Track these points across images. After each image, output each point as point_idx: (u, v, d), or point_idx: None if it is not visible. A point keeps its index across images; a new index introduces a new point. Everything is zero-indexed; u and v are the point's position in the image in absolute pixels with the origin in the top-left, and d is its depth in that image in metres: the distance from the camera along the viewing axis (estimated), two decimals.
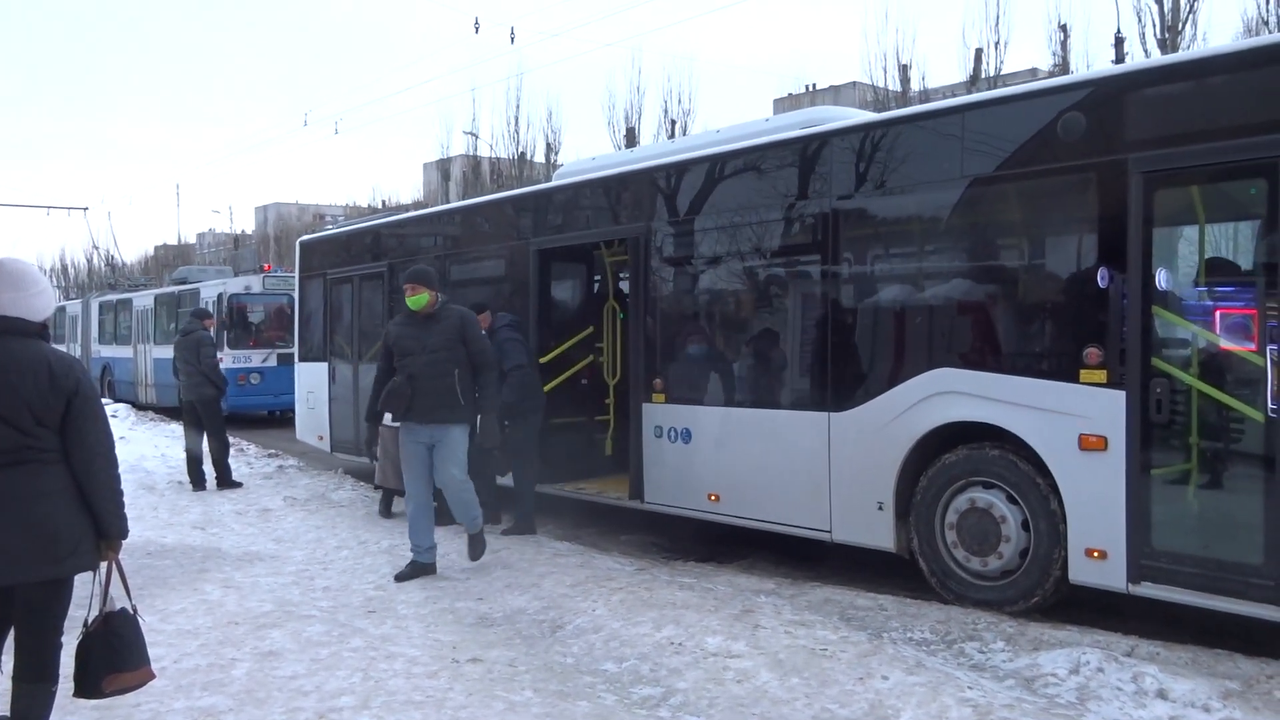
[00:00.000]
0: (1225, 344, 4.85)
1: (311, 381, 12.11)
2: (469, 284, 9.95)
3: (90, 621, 3.56)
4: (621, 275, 9.13)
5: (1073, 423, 5.17)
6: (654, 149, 9.18)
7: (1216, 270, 5.07)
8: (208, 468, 10.41)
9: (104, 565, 3.57)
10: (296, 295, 12.88)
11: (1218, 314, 4.91)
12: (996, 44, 26.10)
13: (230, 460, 10.78)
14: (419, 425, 6.40)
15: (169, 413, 17.75)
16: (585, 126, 57.67)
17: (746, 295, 7.36)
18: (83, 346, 26.37)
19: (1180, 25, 23.15)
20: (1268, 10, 22.00)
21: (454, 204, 12.46)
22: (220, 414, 10.71)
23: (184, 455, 10.68)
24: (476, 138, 36.31)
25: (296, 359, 12.79)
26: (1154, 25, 23.29)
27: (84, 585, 3.58)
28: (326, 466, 11.76)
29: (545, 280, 8.81)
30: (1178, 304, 5.06)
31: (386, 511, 8.72)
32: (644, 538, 8.08)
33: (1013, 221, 5.84)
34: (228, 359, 17.73)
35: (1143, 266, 4.94)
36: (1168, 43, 22.85)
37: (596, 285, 9.72)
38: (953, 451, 5.78)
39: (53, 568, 3.36)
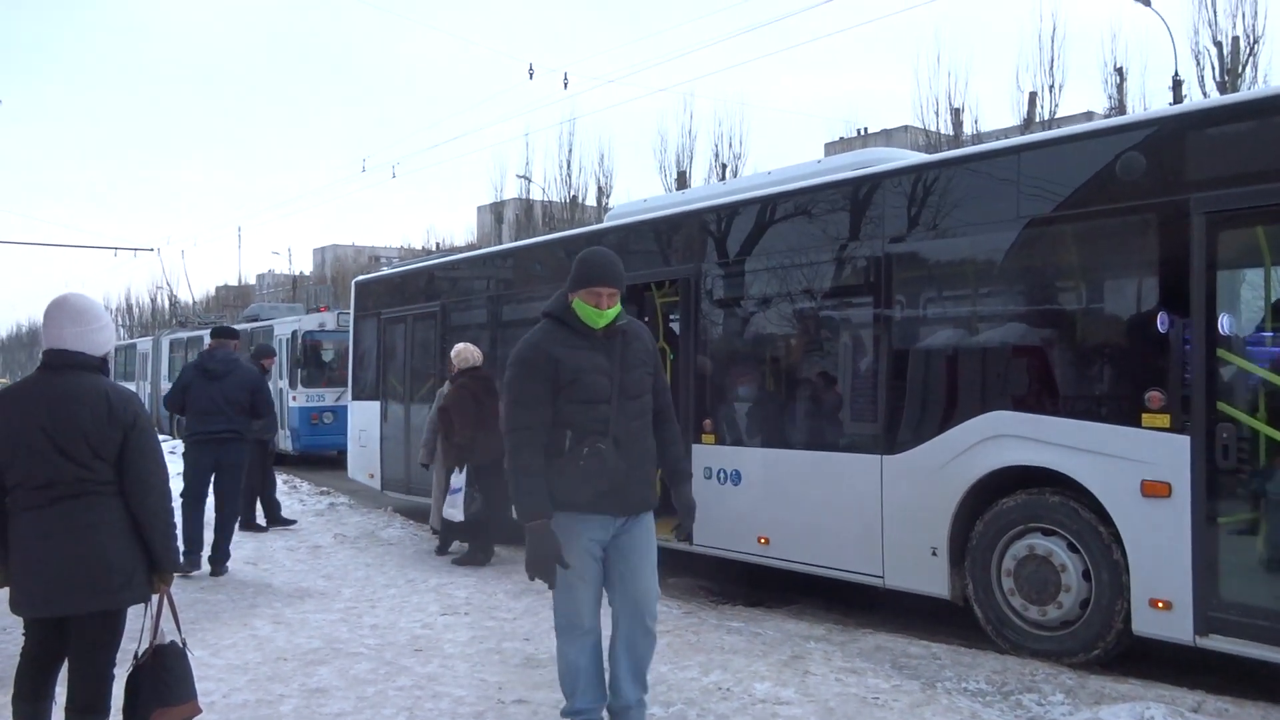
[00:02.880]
0: (1260, 386, 4.72)
1: (364, 420, 12.24)
2: (520, 325, 10.02)
3: (140, 654, 3.59)
4: (671, 316, 9.12)
5: (1135, 468, 5.03)
6: (705, 190, 9.19)
7: (1274, 312, 4.93)
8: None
9: (155, 597, 3.61)
10: (351, 335, 13.05)
11: None
12: (1051, 87, 26.06)
13: (282, 498, 10.90)
14: (608, 516, 3.83)
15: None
16: (637, 170, 58.60)
17: (797, 337, 7.29)
18: (153, 383, 26.83)
19: (1240, 68, 22.86)
20: None
21: (506, 245, 12.66)
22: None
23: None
24: (529, 181, 36.86)
25: (350, 397, 12.96)
26: (1213, 68, 23.05)
27: (135, 618, 3.63)
28: (376, 504, 11.85)
29: None
30: (1243, 347, 4.92)
31: (443, 549, 8.73)
32: (692, 581, 7.99)
33: (1071, 263, 5.72)
34: (300, 398, 17.84)
35: (1206, 309, 4.81)
36: (1227, 85, 22.54)
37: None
38: (1010, 497, 5.65)
39: (106, 599, 3.41)
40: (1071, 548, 5.37)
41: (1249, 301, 5.11)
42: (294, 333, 18.23)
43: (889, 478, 6.23)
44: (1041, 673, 5.07)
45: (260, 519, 10.26)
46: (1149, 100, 25.21)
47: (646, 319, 9.59)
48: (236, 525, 8.33)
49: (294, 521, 10.44)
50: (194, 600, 6.87)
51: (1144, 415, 5.02)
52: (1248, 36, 22.72)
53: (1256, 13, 22.59)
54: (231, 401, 7.99)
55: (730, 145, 32.75)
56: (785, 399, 7.34)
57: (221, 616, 6.42)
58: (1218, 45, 22.91)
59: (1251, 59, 22.74)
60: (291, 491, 12.75)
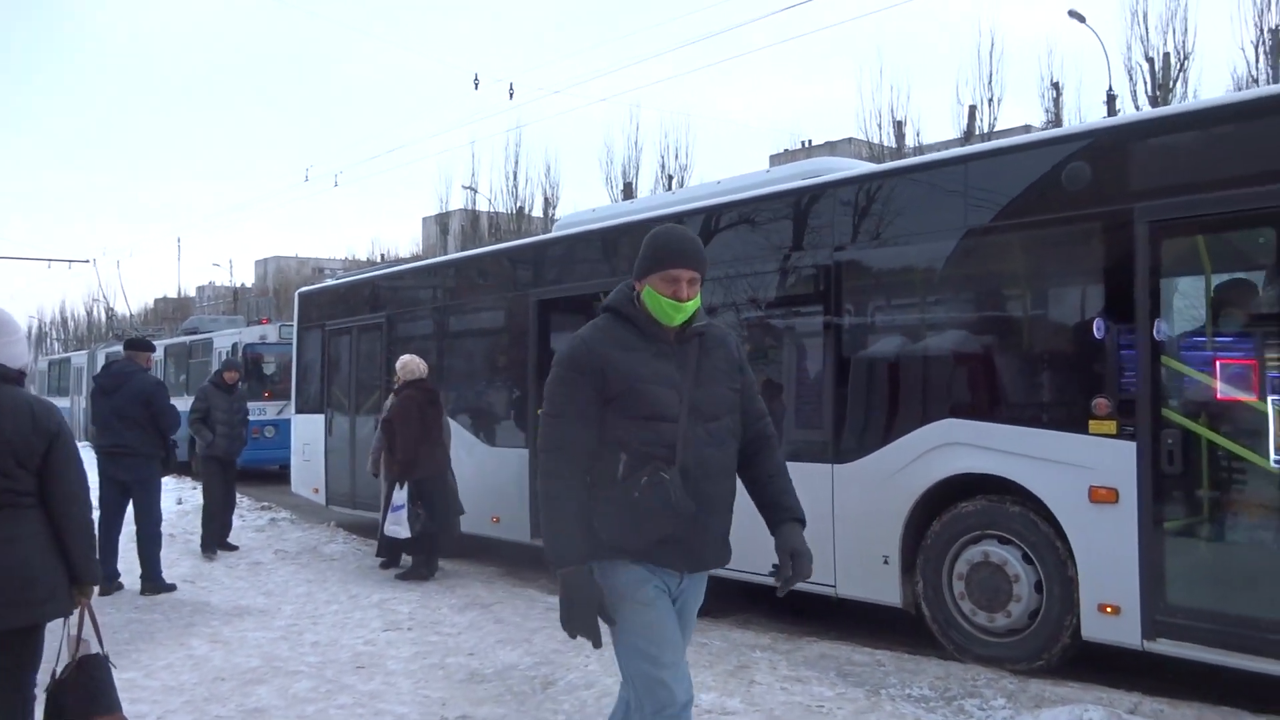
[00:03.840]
0: (1231, 394, 4.80)
1: (308, 433, 12.03)
2: (467, 335, 9.94)
3: (63, 668, 3.50)
4: None
5: (1083, 474, 5.09)
6: (655, 200, 9.10)
7: (1221, 319, 5.03)
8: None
9: (76, 611, 3.52)
10: (294, 347, 12.83)
11: (1219, 364, 4.87)
12: (990, 101, 26.61)
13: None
14: (666, 572, 2.94)
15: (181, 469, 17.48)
16: (583, 181, 58.53)
17: (747, 346, 7.25)
18: (88, 397, 26.13)
19: (1171, 83, 23.55)
20: (1257, 68, 22.37)
21: (454, 255, 12.53)
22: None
23: (196, 509, 10.49)
24: (475, 192, 36.65)
25: (293, 410, 12.73)
26: (1145, 83, 23.72)
27: (52, 635, 3.52)
28: (319, 519, 11.65)
29: (545, 331, 8.73)
30: (1187, 353, 4.98)
31: (389, 564, 8.60)
32: None
33: (1017, 272, 5.79)
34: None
35: (1150, 316, 4.89)
36: (1159, 100, 23.20)
37: None
38: (962, 503, 5.68)
39: (31, 613, 3.31)
40: (1025, 557, 5.41)
41: (1192, 309, 5.19)
42: (234, 345, 17.85)
43: (840, 486, 6.22)
44: (983, 677, 5.12)
45: (228, 541, 9.79)
46: (1084, 114, 25.87)
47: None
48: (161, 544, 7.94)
49: (236, 547, 9.89)
50: (128, 620, 6.68)
51: (1091, 422, 5.06)
52: (1178, 53, 23.42)
53: (1186, 30, 23.33)
54: (123, 416, 7.57)
55: (676, 157, 32.92)
56: None
57: (157, 636, 6.25)
58: (1150, 61, 23.59)
59: (1182, 74, 23.44)
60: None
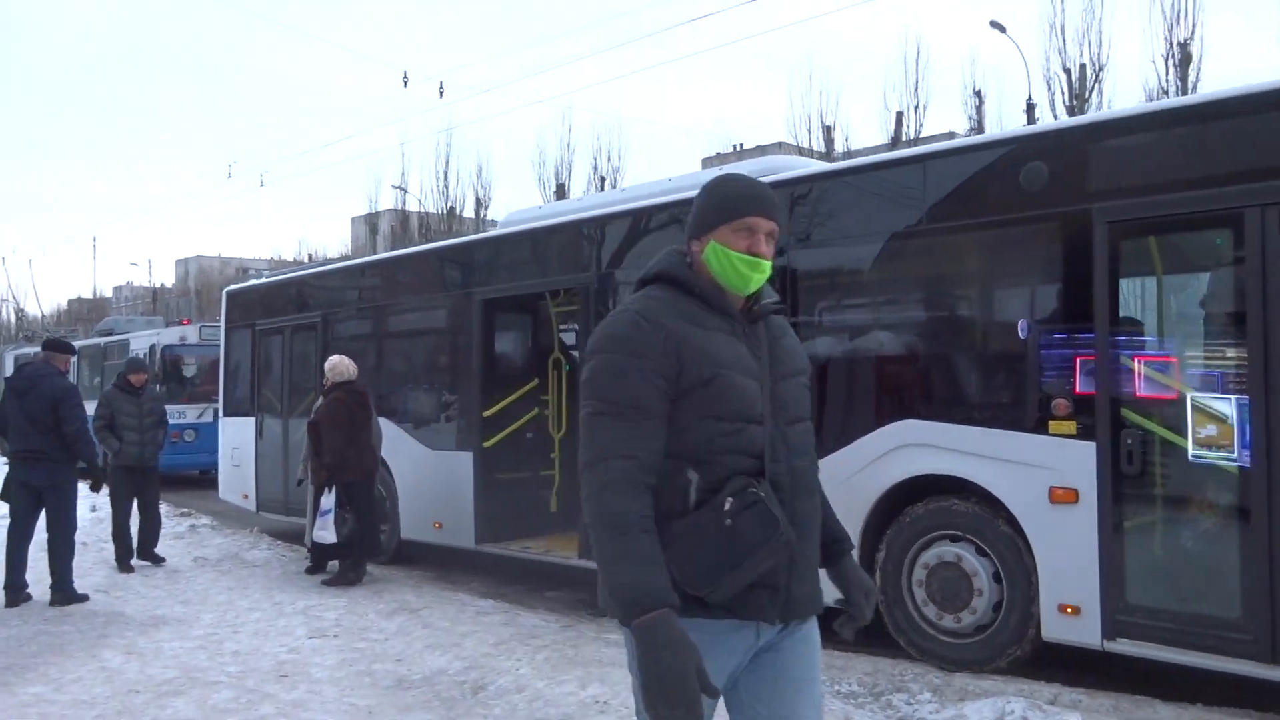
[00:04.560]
0: (1164, 393, 4.82)
1: (237, 437, 11.58)
2: (408, 336, 9.67)
3: None
4: (564, 327, 8.97)
5: (1043, 475, 5.07)
6: (602, 197, 8.89)
7: (1173, 319, 5.06)
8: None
9: None
10: (221, 347, 12.36)
11: (1139, 361, 4.92)
12: (916, 107, 27.19)
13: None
14: (755, 625, 2.16)
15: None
16: (515, 182, 58.12)
17: None
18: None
19: (1087, 93, 24.30)
20: (1167, 80, 23.18)
21: (394, 253, 12.16)
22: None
23: (104, 519, 9.91)
24: (405, 192, 36.20)
25: (220, 413, 12.31)
26: (1063, 93, 24.43)
27: None
28: (242, 525, 11.36)
29: (490, 331, 8.54)
30: (1144, 353, 4.96)
31: (315, 569, 8.41)
32: (571, 594, 7.92)
33: (974, 271, 5.74)
34: None
35: (1109, 316, 4.89)
36: (1075, 109, 23.91)
37: (533, 336, 9.47)
38: (920, 505, 5.62)
39: None
40: (982, 554, 5.38)
41: (1149, 308, 5.14)
42: (152, 346, 17.27)
43: None
44: (910, 673, 5.19)
45: (155, 552, 9.16)
46: (1005, 122, 26.51)
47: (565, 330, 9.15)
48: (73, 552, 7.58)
49: (163, 559, 9.16)
50: (36, 632, 6.42)
51: (1051, 422, 5.05)
52: (1094, 64, 24.16)
53: (1101, 42, 24.08)
54: (34, 420, 7.26)
55: (609, 159, 32.95)
56: None
57: (67, 649, 6.01)
58: (1067, 72, 24.30)
59: (1098, 85, 24.21)
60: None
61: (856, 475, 5.80)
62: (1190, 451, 4.67)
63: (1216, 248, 4.82)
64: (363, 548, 8.10)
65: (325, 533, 7.87)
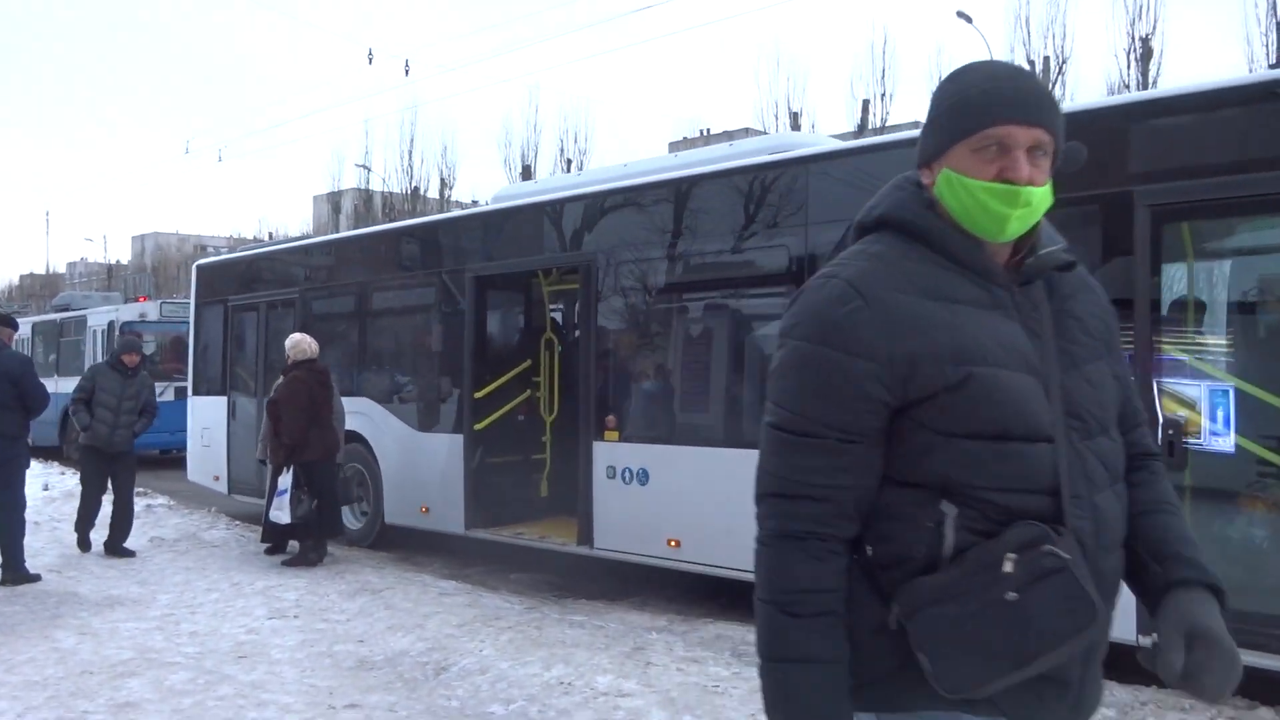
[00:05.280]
0: (1210, 383, 4.66)
1: (207, 417, 11.24)
2: (394, 314, 9.39)
3: None
4: (554, 306, 8.77)
5: None
6: (603, 173, 8.48)
7: (1219, 307, 4.83)
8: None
9: None
10: (191, 323, 11.99)
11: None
12: (883, 96, 27.37)
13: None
14: None
15: (46, 452, 16.51)
16: (481, 162, 57.43)
17: (713, 327, 6.85)
18: None
19: (1050, 85, 24.55)
20: (1128, 74, 23.48)
21: (380, 227, 11.90)
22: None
23: (66, 495, 9.61)
24: (369, 171, 35.81)
25: (190, 393, 11.91)
26: None
27: None
28: (199, 505, 11.19)
29: (482, 310, 8.29)
30: (1187, 342, 4.78)
31: (277, 550, 8.30)
32: (535, 575, 7.90)
33: None
34: None
35: (1150, 304, 4.70)
36: None
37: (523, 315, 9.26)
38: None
39: None
40: None
41: (1196, 296, 4.89)
42: (110, 323, 16.80)
43: None
44: None
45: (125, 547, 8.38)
46: None
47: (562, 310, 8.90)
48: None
49: (133, 554, 8.42)
50: None
51: None
52: (1058, 56, 24.48)
53: (1066, 34, 24.40)
54: None
55: (575, 140, 32.86)
56: (700, 393, 6.93)
57: (18, 629, 5.88)
58: (1031, 64, 24.53)
59: (1061, 77, 24.49)
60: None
61: None
62: (1237, 444, 4.48)
63: (1266, 233, 4.66)
64: (323, 528, 8.01)
65: (280, 513, 7.77)
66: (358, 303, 9.60)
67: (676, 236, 6.91)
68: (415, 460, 8.61)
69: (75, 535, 8.55)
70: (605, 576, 7.48)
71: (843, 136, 24.40)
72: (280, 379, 8.31)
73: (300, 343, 8.16)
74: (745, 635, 5.68)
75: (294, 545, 8.15)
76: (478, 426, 8.06)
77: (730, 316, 6.80)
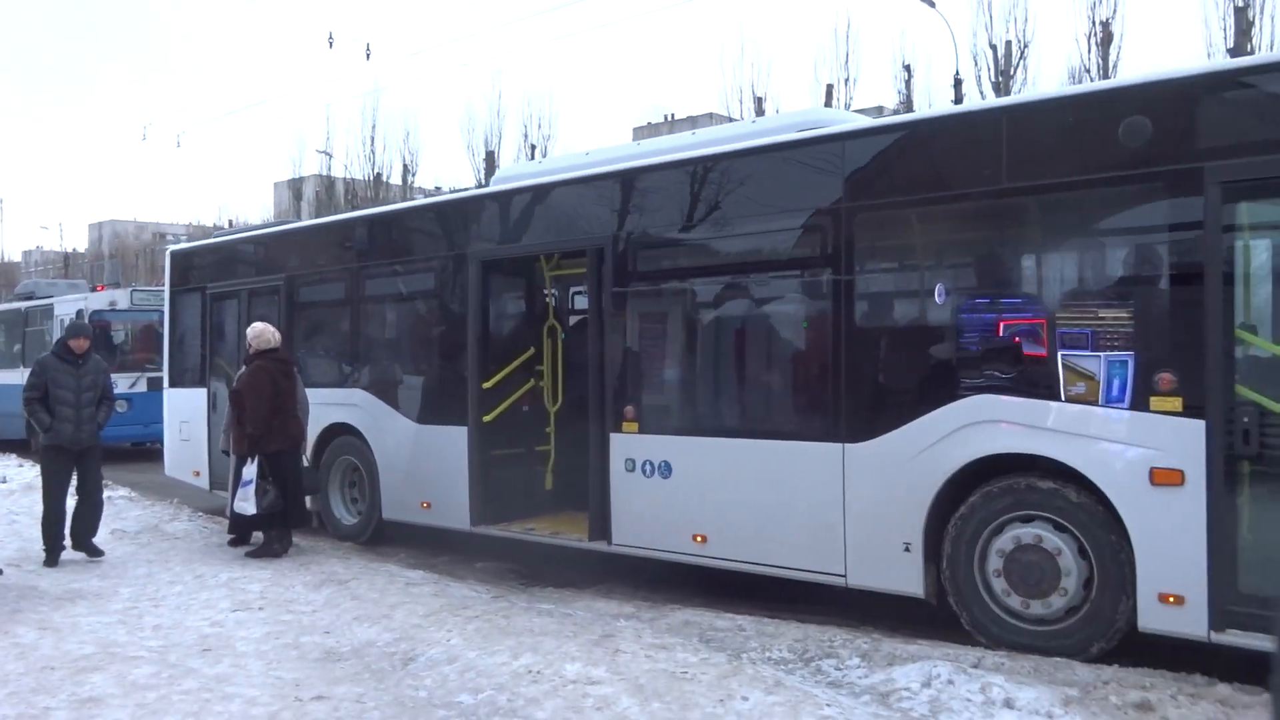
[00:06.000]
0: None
1: (186, 410, 10.81)
2: (390, 300, 9.01)
3: None
4: (547, 292, 8.44)
5: (1143, 455, 4.73)
6: (616, 152, 7.97)
7: None
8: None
9: None
10: (166, 312, 11.55)
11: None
12: (846, 80, 27.43)
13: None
14: None
15: (13, 446, 16.18)
16: (444, 148, 56.87)
17: (743, 312, 6.55)
18: None
19: (1013, 70, 24.76)
20: (1089, 59, 23.71)
21: (375, 210, 11.19)
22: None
23: (25, 488, 9.27)
24: (330, 157, 35.41)
25: (166, 384, 11.49)
26: (989, 69, 24.87)
27: None
28: (162, 496, 11.05)
29: (486, 296, 7.92)
30: (1263, 325, 4.70)
31: (241, 541, 8.21)
32: (501, 564, 7.88)
33: (1071, 231, 5.29)
34: None
35: (1223, 282, 4.54)
36: (1001, 86, 24.36)
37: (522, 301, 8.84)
38: (995, 484, 5.23)
39: None
40: (1060, 531, 5.04)
41: (1268, 275, 4.73)
42: (79, 312, 16.15)
43: (852, 469, 5.69)
44: (839, 638, 5.28)
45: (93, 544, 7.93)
46: (934, 96, 26.89)
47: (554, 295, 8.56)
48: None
49: (102, 553, 7.95)
50: None
51: (1153, 399, 4.71)
52: (1019, 41, 24.64)
53: (1028, 19, 24.58)
54: None
55: (540, 126, 32.63)
56: (727, 381, 6.69)
57: None
58: (993, 48, 24.74)
59: (1023, 62, 24.69)
60: None
61: (924, 453, 5.42)
62: None
63: None
64: (288, 518, 7.94)
65: (245, 504, 7.69)
66: (349, 289, 9.17)
67: (704, 217, 6.57)
68: (415, 454, 8.32)
69: (43, 546, 7.77)
70: (572, 564, 7.49)
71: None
72: (243, 369, 8.22)
73: (264, 332, 8.06)
74: (713, 621, 5.72)
75: (258, 536, 8.08)
76: (486, 418, 7.71)
77: (760, 301, 6.51)
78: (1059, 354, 5.06)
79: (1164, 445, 4.68)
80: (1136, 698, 4.20)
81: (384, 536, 8.74)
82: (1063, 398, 4.99)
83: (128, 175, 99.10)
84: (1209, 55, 21.44)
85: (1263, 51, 20.63)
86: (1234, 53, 20.82)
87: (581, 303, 8.25)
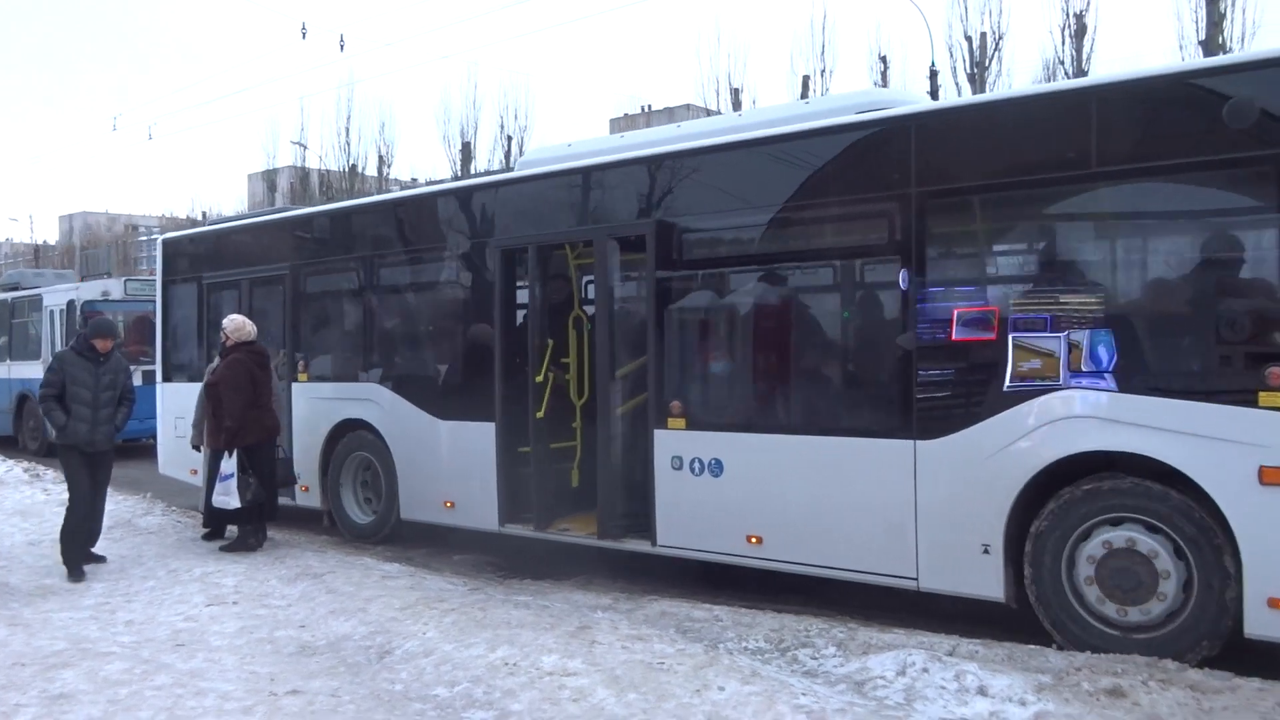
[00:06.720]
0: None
1: (181, 405, 10.26)
2: (405, 291, 8.69)
3: None
4: (587, 278, 7.96)
5: (1250, 453, 4.49)
6: (652, 135, 7.59)
7: None
8: None
9: None
10: (159, 303, 11.16)
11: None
12: (823, 72, 27.48)
13: (23, 486, 9.82)
14: None
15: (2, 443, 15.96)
16: (419, 140, 56.34)
17: (803, 301, 6.27)
18: None
19: (987, 62, 24.89)
20: (1063, 51, 23.86)
21: (388, 196, 10.62)
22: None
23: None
24: (305, 148, 35.16)
25: (159, 378, 11.09)
26: (964, 60, 25.00)
27: None
28: (134, 490, 10.94)
29: (510, 285, 7.61)
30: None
31: (215, 535, 8.15)
32: (478, 557, 7.87)
33: (1168, 218, 5.04)
34: None
35: None
36: (976, 77, 24.48)
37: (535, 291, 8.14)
38: (1085, 484, 5.00)
39: None
40: (1154, 532, 4.83)
41: None
42: (69, 303, 15.72)
43: (924, 467, 5.43)
44: (815, 628, 5.30)
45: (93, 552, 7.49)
46: (910, 88, 26.95)
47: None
48: None
49: (103, 559, 7.55)
50: None
51: (1262, 394, 4.47)
52: (994, 33, 24.78)
53: (1002, 11, 24.75)
54: None
55: (516, 117, 32.53)
56: (785, 375, 6.34)
57: None
58: (968, 39, 24.86)
59: (997, 54, 24.83)
60: (34, 480, 11.55)
61: (1004, 451, 5.16)
62: None
63: None
64: (264, 511, 7.89)
65: (228, 498, 7.61)
66: (360, 279, 8.76)
67: (762, 201, 6.25)
68: (438, 451, 7.96)
69: (61, 554, 7.24)
70: (549, 557, 7.48)
71: None
72: (218, 361, 8.14)
73: (243, 325, 8.01)
74: (690, 612, 5.73)
75: (232, 530, 8.02)
76: (539, 414, 7.31)
77: (821, 289, 6.29)
78: (1154, 346, 4.88)
79: (1273, 442, 4.45)
80: (1108, 683, 4.24)
81: (400, 536, 8.43)
82: (1160, 392, 4.76)
83: (98, 166, 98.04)
84: (1181, 48, 21.63)
85: (1233, 44, 20.86)
86: (1205, 44, 21.01)
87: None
